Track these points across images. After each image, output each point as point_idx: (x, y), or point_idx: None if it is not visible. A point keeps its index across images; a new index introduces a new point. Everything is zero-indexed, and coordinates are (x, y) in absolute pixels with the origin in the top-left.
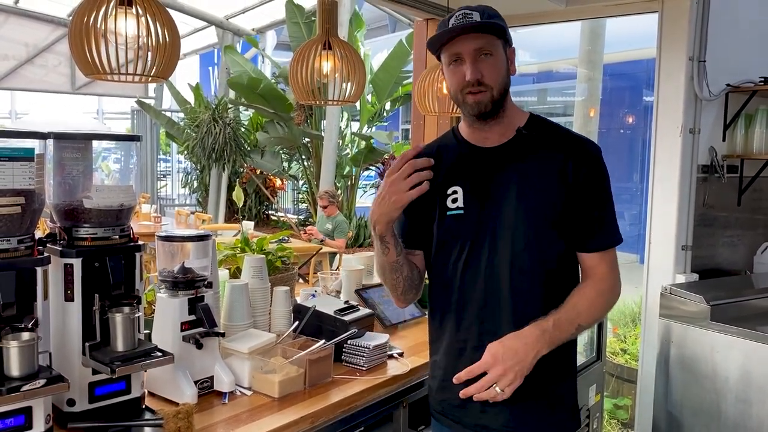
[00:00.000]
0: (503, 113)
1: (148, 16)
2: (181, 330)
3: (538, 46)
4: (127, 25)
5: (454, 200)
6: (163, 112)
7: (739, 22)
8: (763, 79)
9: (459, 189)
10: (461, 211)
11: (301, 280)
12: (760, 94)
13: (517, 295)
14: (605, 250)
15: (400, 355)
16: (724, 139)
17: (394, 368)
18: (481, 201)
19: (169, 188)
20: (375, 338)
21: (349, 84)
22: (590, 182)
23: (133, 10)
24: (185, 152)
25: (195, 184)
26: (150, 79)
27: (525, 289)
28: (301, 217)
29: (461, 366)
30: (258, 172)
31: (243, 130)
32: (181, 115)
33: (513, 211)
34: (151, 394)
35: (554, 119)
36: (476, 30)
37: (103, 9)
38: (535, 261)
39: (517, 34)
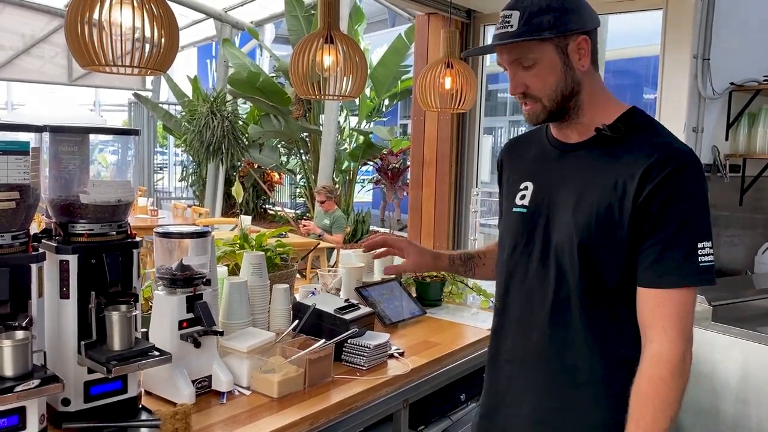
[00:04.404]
0: (577, 112)
1: (145, 5)
2: (179, 328)
3: None
4: (124, 16)
5: (522, 197)
6: (160, 105)
7: (744, 20)
8: (767, 78)
9: (530, 185)
10: (524, 210)
11: (298, 275)
12: (764, 93)
13: (555, 320)
14: (662, 289)
15: (401, 354)
16: (726, 138)
17: (395, 368)
18: (541, 203)
19: (165, 181)
20: (375, 337)
21: (350, 79)
22: (662, 198)
23: (130, 0)
24: (182, 145)
25: (192, 177)
26: (148, 71)
27: (562, 317)
28: (298, 211)
29: (494, 381)
30: (256, 166)
31: (241, 123)
32: (179, 107)
33: (566, 221)
34: (148, 393)
35: None
36: (511, 40)
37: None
38: (583, 283)
39: None
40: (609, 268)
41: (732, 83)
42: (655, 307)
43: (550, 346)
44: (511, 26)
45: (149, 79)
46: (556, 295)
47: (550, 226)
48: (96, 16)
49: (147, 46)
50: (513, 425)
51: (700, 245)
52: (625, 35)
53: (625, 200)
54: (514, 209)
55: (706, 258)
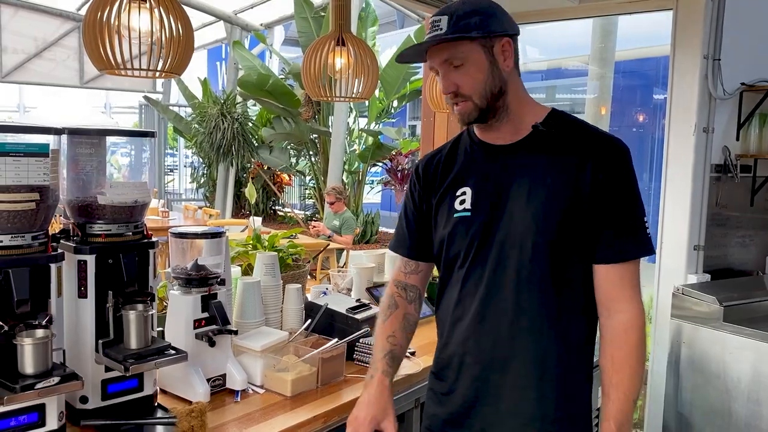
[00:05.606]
0: (506, 112)
1: (161, 10)
2: (194, 327)
3: (548, 43)
4: (141, 20)
5: (462, 201)
6: (170, 107)
7: (755, 20)
8: None
9: (468, 189)
10: (468, 213)
11: (308, 276)
12: None
13: (521, 310)
14: (626, 262)
15: (412, 354)
16: (737, 139)
17: (407, 367)
18: (489, 203)
19: (176, 183)
20: None
21: (361, 80)
22: (611, 184)
23: (147, 5)
24: (193, 147)
25: (202, 179)
26: (164, 74)
27: (531, 305)
28: (307, 212)
29: (459, 386)
30: (265, 167)
31: (251, 125)
32: (189, 110)
33: (522, 216)
34: (163, 392)
35: None
36: (442, 41)
37: (117, 3)
38: (546, 274)
39: (526, 31)
40: (572, 253)
41: (743, 83)
42: (619, 280)
43: (519, 340)
44: (441, 29)
45: (159, 81)
46: (520, 290)
47: (505, 224)
48: (113, 20)
49: (163, 50)
50: (492, 423)
51: (645, 219)
52: (635, 36)
53: (579, 185)
54: (456, 214)
55: (648, 230)
